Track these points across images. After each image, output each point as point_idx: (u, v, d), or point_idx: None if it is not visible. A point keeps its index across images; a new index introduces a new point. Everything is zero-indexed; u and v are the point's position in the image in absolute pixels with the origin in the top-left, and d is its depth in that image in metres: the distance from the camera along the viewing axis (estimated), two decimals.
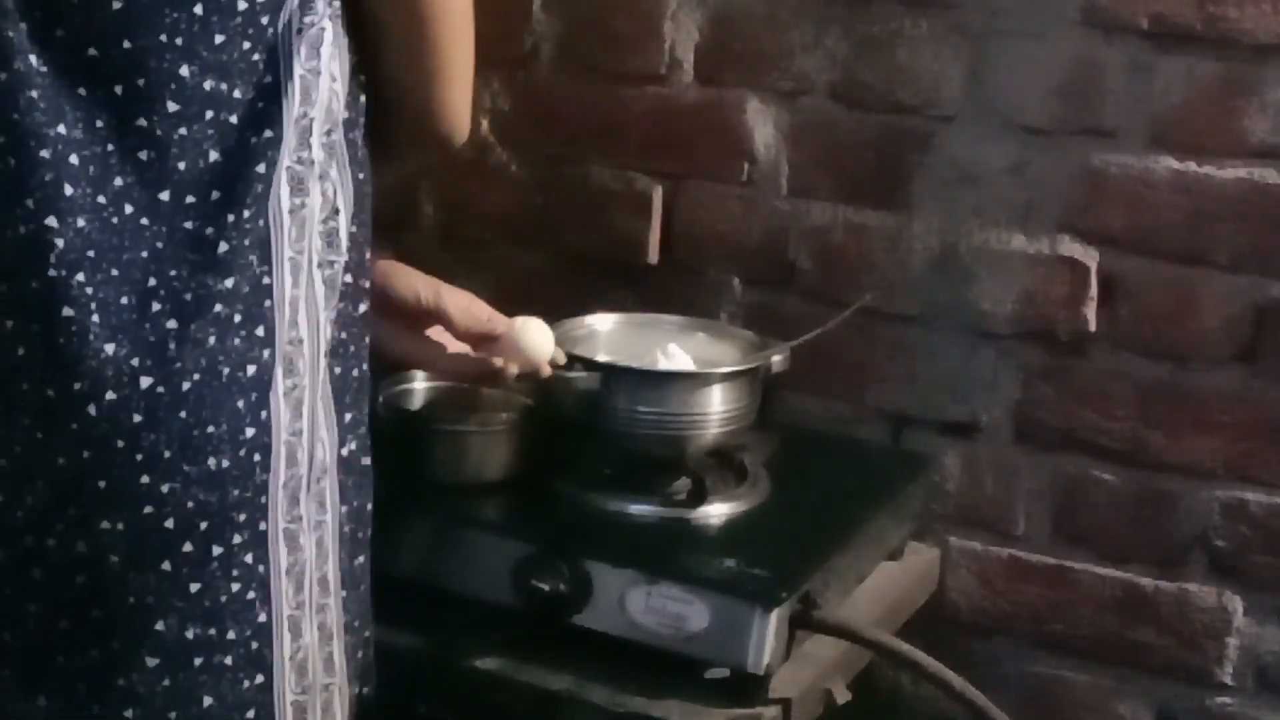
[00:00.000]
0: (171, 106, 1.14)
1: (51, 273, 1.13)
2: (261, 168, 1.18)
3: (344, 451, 1.29)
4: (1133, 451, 1.82)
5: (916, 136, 1.86)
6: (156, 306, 1.15)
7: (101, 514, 1.15)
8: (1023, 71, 1.79)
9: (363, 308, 1.31)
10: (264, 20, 1.17)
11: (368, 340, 1.32)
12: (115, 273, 1.14)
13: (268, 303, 1.18)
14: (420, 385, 1.74)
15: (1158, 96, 1.75)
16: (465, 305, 1.50)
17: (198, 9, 1.14)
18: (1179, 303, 1.78)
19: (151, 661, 1.18)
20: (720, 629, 1.47)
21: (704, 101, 1.95)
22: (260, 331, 1.18)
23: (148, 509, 1.15)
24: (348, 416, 1.29)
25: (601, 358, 1.65)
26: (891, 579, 1.77)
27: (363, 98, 1.29)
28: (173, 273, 1.15)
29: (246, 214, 1.17)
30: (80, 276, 1.13)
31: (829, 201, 1.91)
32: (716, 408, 1.61)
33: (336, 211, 1.25)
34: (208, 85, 1.15)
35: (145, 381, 1.14)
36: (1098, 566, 1.85)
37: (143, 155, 1.15)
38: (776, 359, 1.67)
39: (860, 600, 1.68)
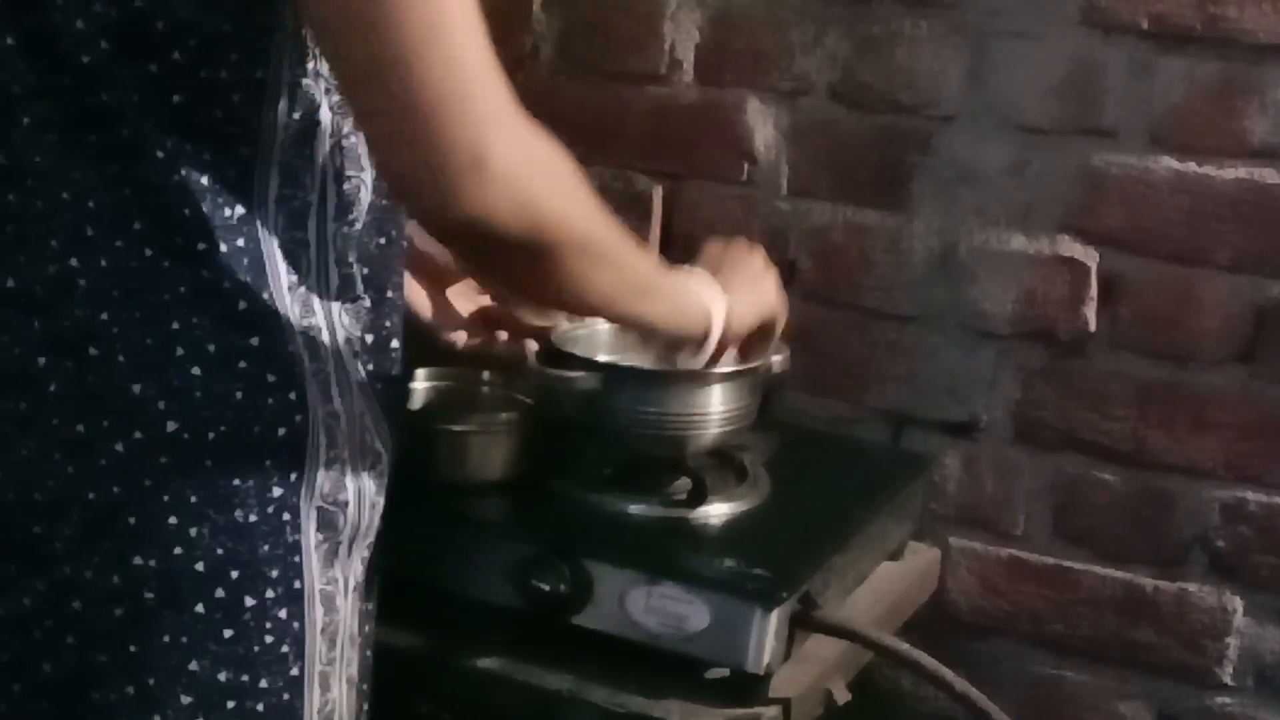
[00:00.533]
0: (159, 154, 1.14)
1: (78, 311, 1.14)
2: (257, 236, 1.17)
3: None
4: (1133, 451, 1.82)
5: (916, 136, 1.86)
6: (181, 351, 1.15)
7: (134, 549, 1.16)
8: (1023, 71, 1.79)
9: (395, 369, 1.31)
10: (236, 97, 1.15)
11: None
12: (139, 314, 1.14)
13: (297, 369, 1.18)
14: (420, 385, 1.74)
15: (1158, 96, 1.75)
16: None
17: (153, 67, 1.13)
18: (1179, 303, 1.78)
19: (186, 700, 1.18)
20: (720, 629, 1.47)
21: (704, 101, 1.95)
22: (293, 396, 1.18)
23: (178, 550, 1.16)
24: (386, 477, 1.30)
25: (601, 358, 1.65)
26: (891, 579, 1.77)
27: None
28: (195, 320, 1.15)
29: (249, 277, 1.17)
30: (105, 315, 1.14)
31: (829, 201, 1.91)
32: (716, 408, 1.61)
33: (355, 291, 1.25)
34: (172, 142, 1.14)
35: (170, 425, 1.14)
36: (1098, 566, 1.85)
37: (151, 200, 1.15)
38: (776, 359, 1.67)
39: (860, 600, 1.68)
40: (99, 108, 1.14)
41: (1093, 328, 1.82)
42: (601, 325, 1.73)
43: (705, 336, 1.43)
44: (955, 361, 1.88)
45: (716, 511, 1.61)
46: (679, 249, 1.98)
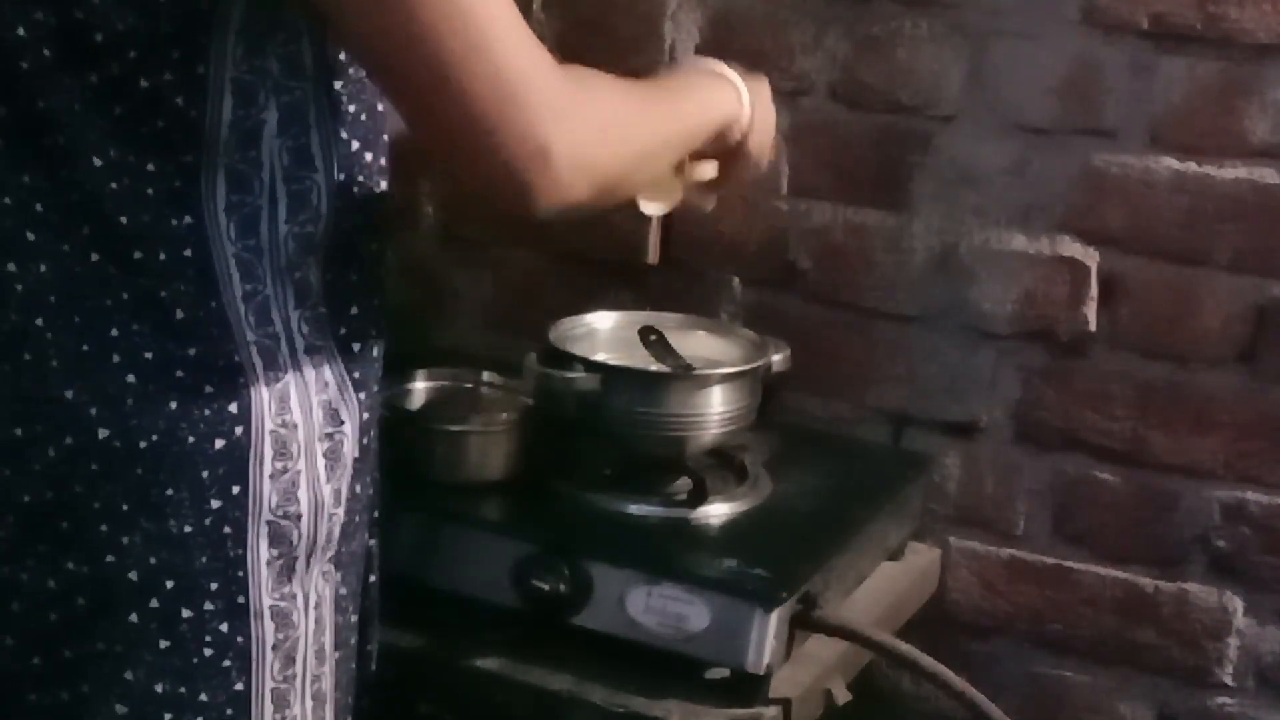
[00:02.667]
0: (97, 161, 1.14)
1: (13, 316, 1.14)
2: (198, 244, 1.16)
3: (344, 520, 1.27)
4: (1133, 451, 1.82)
5: (916, 136, 1.86)
6: (117, 358, 1.14)
7: (66, 554, 1.15)
8: (1023, 71, 1.79)
9: (375, 385, 1.29)
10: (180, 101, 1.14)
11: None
12: (77, 319, 1.14)
13: (241, 380, 1.17)
14: (420, 385, 1.74)
15: (1158, 96, 1.75)
16: None
17: (93, 78, 1.12)
18: (1179, 303, 1.78)
19: (120, 709, 1.17)
20: (720, 629, 1.47)
21: None
22: (233, 408, 1.16)
23: (110, 557, 1.15)
24: (353, 487, 1.27)
25: (601, 357, 1.65)
26: (891, 579, 1.77)
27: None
28: (135, 327, 1.14)
29: (193, 287, 1.16)
30: (40, 320, 1.14)
31: (829, 201, 1.91)
32: (716, 408, 1.61)
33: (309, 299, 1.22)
34: (114, 152, 1.14)
35: (102, 432, 1.14)
36: (1098, 566, 1.85)
37: (95, 208, 1.14)
38: (776, 359, 1.67)
39: (860, 600, 1.68)
40: (39, 114, 1.13)
41: (1093, 328, 1.81)
42: (601, 325, 1.74)
43: (743, 119, 1.44)
44: (955, 361, 1.88)
45: (716, 511, 1.61)
46: (679, 249, 1.98)
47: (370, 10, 1.10)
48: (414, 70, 1.11)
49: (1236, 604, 1.80)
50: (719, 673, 1.49)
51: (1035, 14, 1.77)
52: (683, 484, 1.64)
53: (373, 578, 1.37)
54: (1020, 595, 1.89)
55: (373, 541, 1.36)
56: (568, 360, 1.59)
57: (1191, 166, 1.75)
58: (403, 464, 1.60)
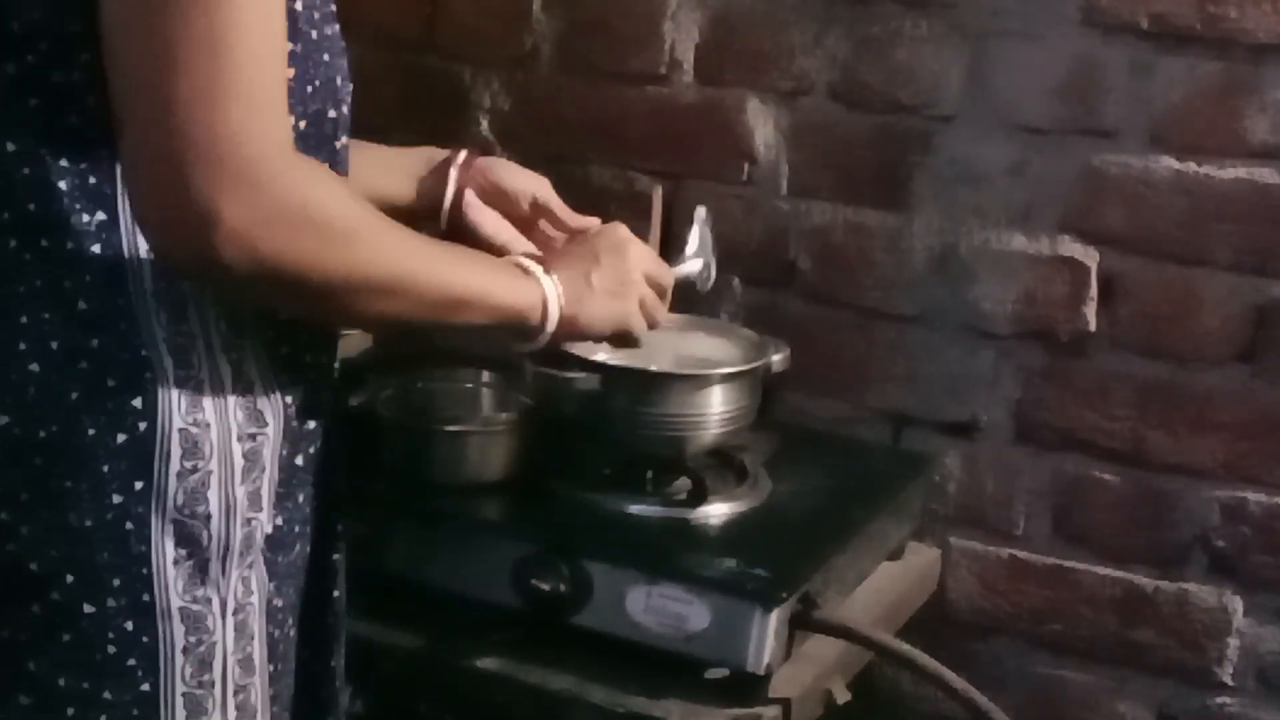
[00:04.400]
0: (10, 147, 1.13)
1: None
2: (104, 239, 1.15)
3: (270, 528, 1.24)
4: (1133, 451, 1.82)
5: (916, 136, 1.86)
6: (23, 346, 1.14)
7: None
8: (1023, 71, 1.79)
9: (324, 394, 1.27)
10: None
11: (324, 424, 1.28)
12: None
13: (148, 375, 1.15)
14: (420, 385, 1.74)
15: (1158, 96, 1.75)
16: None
17: (9, 68, 1.12)
18: (1179, 303, 1.78)
19: (25, 700, 1.17)
20: (720, 629, 1.47)
21: (704, 101, 1.95)
22: (137, 403, 1.15)
23: (10, 546, 1.15)
24: (291, 497, 1.26)
25: (601, 357, 1.65)
26: (891, 579, 1.77)
27: None
28: (45, 315, 1.14)
29: (101, 280, 1.14)
30: None
31: (829, 201, 1.91)
32: (716, 408, 1.61)
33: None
34: (30, 140, 1.13)
35: (3, 419, 1.13)
36: (1098, 566, 1.85)
37: (12, 194, 1.14)
38: (776, 359, 1.67)
39: (860, 600, 1.68)
40: None
41: (1093, 328, 1.82)
42: None
43: (544, 320, 1.33)
44: (955, 361, 1.88)
45: (716, 511, 1.61)
46: (679, 249, 1.98)
47: (125, 19, 1.07)
48: (139, 86, 1.07)
49: (1236, 604, 1.80)
50: (719, 673, 1.49)
51: (1035, 14, 1.77)
52: (683, 484, 1.64)
53: (337, 592, 1.34)
54: (1020, 595, 1.89)
55: (336, 556, 1.33)
56: (568, 360, 1.59)
57: (1191, 166, 1.75)
58: (403, 464, 1.60)
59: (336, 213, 1.14)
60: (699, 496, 1.61)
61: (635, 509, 1.61)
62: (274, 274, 1.10)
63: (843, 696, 1.58)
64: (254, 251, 1.08)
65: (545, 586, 1.51)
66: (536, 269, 1.34)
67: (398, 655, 1.49)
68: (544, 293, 1.33)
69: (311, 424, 1.26)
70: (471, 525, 1.58)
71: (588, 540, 1.54)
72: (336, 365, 1.32)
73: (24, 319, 1.14)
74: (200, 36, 1.05)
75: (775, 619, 1.47)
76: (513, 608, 1.53)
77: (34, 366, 1.13)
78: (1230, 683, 1.81)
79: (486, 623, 1.53)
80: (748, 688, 1.48)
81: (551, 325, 1.34)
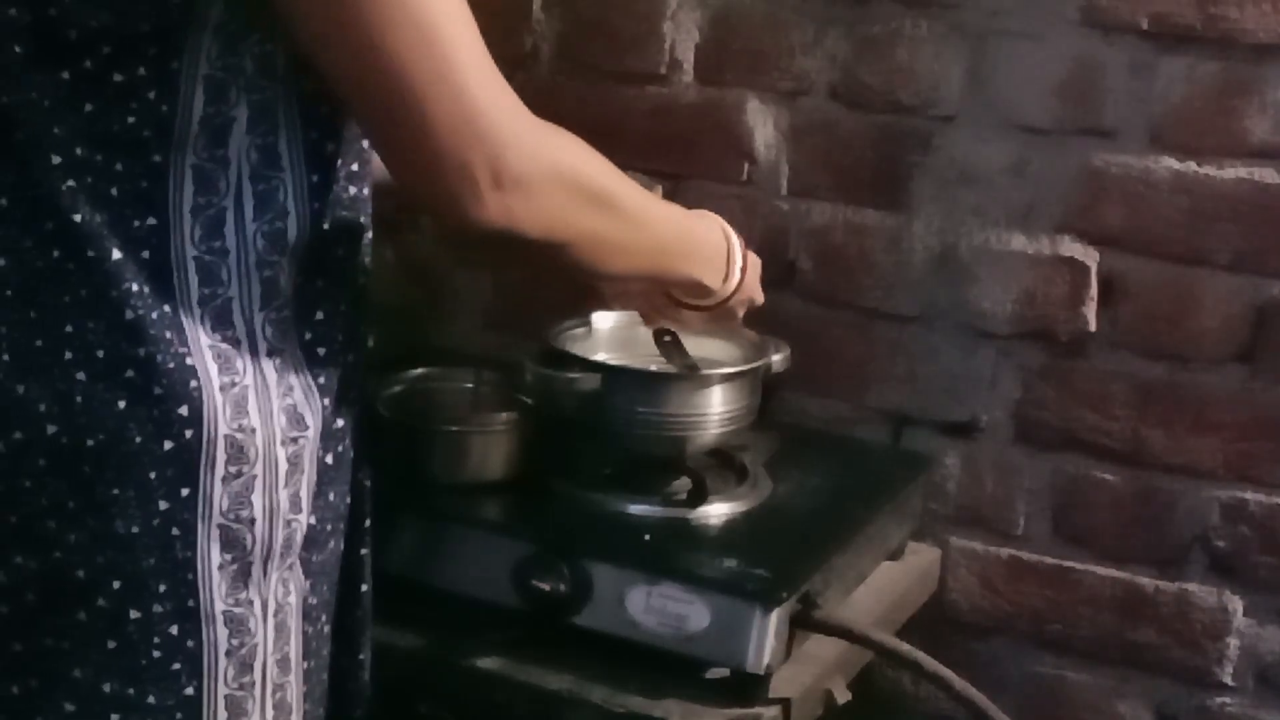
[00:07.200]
0: (55, 159, 1.14)
1: None
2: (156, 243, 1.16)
3: (305, 528, 1.25)
4: (1133, 451, 1.82)
5: (916, 136, 1.86)
6: (69, 355, 1.14)
7: (15, 549, 1.15)
8: (1023, 71, 1.79)
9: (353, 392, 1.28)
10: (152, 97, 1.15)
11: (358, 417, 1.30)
12: (32, 314, 1.14)
13: (193, 382, 1.16)
14: (420, 385, 1.74)
15: (1158, 96, 1.75)
16: None
17: (65, 74, 1.13)
18: (1179, 303, 1.78)
19: (68, 707, 1.17)
20: (720, 629, 1.47)
21: (704, 101, 1.95)
22: (183, 411, 1.16)
23: (56, 554, 1.15)
24: (324, 495, 1.27)
25: (601, 357, 1.65)
26: (891, 579, 1.77)
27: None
28: (90, 325, 1.14)
29: (148, 288, 1.16)
30: None
31: (829, 201, 1.91)
32: (716, 408, 1.61)
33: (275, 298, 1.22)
34: (80, 150, 1.14)
35: (50, 428, 1.14)
36: (1098, 566, 1.85)
37: (58, 204, 1.14)
38: (776, 359, 1.67)
39: (860, 600, 1.68)
40: (2, 110, 1.13)
41: (1093, 328, 1.82)
42: (601, 325, 1.73)
43: (728, 263, 1.50)
44: (955, 361, 1.88)
45: (716, 511, 1.61)
46: None
47: (333, 29, 1.13)
48: (380, 93, 1.15)
49: (1236, 604, 1.80)
50: (719, 673, 1.49)
51: (1035, 14, 1.77)
52: (683, 484, 1.64)
53: (365, 587, 1.36)
54: (1020, 595, 1.89)
55: (364, 551, 1.35)
56: (568, 360, 1.59)
57: (1191, 166, 1.75)
58: (403, 464, 1.60)
59: (585, 163, 1.27)
60: (699, 496, 1.61)
61: (635, 509, 1.61)
62: (550, 225, 1.23)
63: (843, 696, 1.58)
64: (537, 203, 1.20)
65: (545, 586, 1.51)
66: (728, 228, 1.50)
67: (398, 655, 1.48)
68: (730, 233, 1.51)
69: (342, 421, 1.27)
70: (471, 525, 1.58)
71: (588, 540, 1.54)
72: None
73: (69, 328, 1.14)
74: (411, 37, 1.14)
75: (775, 619, 1.47)
76: (513, 608, 1.53)
77: (80, 375, 1.14)
78: (1230, 683, 1.81)
79: (486, 623, 1.53)
80: (748, 688, 1.48)
81: (737, 256, 1.50)
